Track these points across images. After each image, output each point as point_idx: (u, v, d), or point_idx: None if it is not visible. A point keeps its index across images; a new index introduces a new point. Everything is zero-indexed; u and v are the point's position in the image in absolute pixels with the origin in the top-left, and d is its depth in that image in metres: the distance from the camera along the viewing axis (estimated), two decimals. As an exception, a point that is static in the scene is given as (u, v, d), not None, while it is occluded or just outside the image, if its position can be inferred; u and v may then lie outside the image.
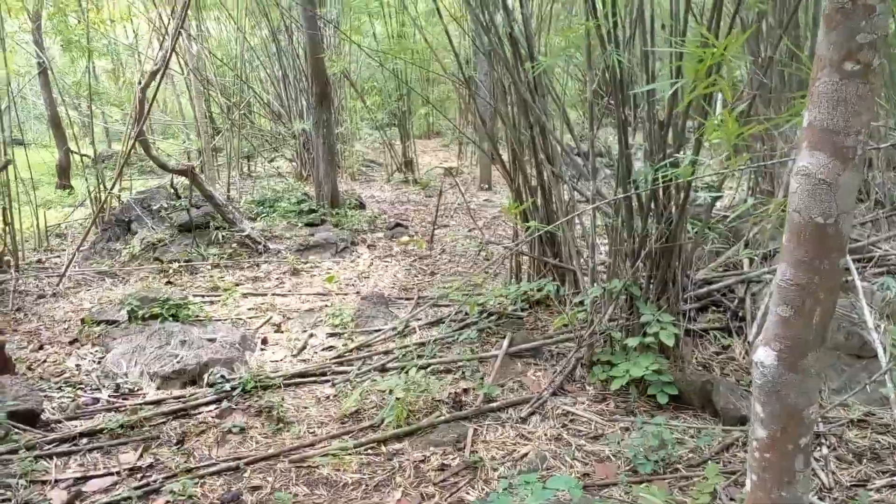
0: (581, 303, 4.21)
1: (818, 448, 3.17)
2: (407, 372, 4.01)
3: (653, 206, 3.82)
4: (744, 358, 4.07)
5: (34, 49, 10.05)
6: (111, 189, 7.16)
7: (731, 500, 2.81)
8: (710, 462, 3.04)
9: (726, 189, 7.76)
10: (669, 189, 3.78)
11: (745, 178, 6.59)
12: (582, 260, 5.01)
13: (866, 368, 3.52)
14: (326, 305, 5.82)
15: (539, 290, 5.05)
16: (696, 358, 4.12)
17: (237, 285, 6.48)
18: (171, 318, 5.11)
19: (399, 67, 11.35)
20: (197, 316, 5.39)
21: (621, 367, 3.74)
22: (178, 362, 4.31)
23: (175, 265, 6.97)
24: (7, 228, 6.74)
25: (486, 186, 11.54)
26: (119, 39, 16.95)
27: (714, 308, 4.58)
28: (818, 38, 1.37)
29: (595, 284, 4.06)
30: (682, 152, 3.86)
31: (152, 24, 11.77)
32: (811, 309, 1.49)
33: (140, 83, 7.18)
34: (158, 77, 7.24)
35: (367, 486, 3.15)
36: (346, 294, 6.18)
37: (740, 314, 4.36)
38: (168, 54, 6.85)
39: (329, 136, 8.99)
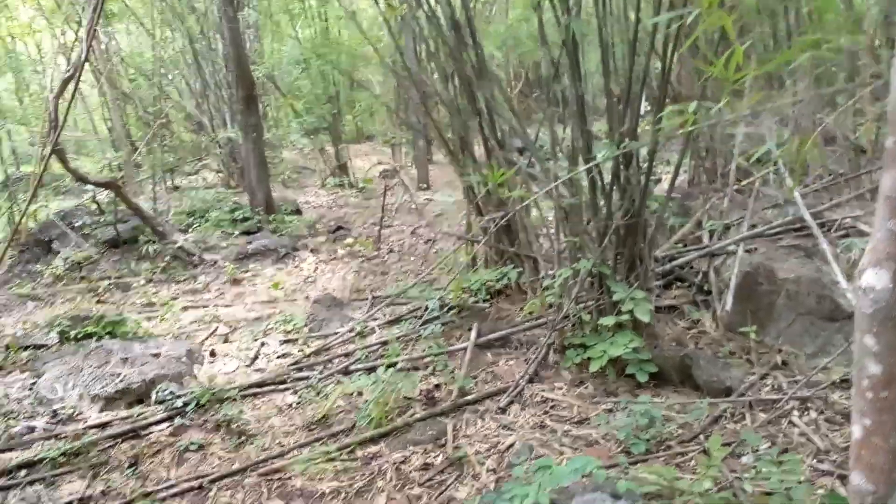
0: (547, 287, 4.08)
1: (806, 413, 3.13)
2: (374, 371, 3.79)
3: (616, 183, 3.72)
4: (715, 330, 4.03)
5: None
6: (28, 203, 6.62)
7: (732, 471, 2.72)
8: (711, 434, 2.94)
9: (664, 173, 7.86)
10: (631, 165, 3.70)
11: (686, 159, 6.64)
12: (540, 245, 4.91)
13: (841, 330, 3.51)
14: (275, 312, 5.52)
15: (499, 280, 4.92)
16: (667, 334, 4.05)
17: (174, 299, 6.09)
18: (107, 336, 4.72)
19: (327, 70, 11.05)
20: (135, 333, 5.00)
21: (598, 348, 3.62)
22: (120, 381, 3.95)
23: (105, 283, 6.51)
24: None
25: (425, 186, 11.38)
26: (21, 56, 16.02)
27: (678, 284, 4.54)
28: None
29: (561, 266, 3.94)
30: (639, 127, 3.80)
31: (57, 38, 11.12)
32: (930, 216, 1.33)
33: (52, 92, 6.69)
34: (72, 84, 6.76)
35: (346, 493, 2.91)
36: (294, 300, 5.89)
37: (705, 287, 4.33)
38: (83, 58, 6.38)
39: (259, 140, 8.64)
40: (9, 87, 17.44)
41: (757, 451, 2.85)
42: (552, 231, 4.45)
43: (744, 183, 5.65)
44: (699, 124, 1.98)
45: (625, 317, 3.55)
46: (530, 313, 4.60)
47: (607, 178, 3.74)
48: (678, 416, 3.25)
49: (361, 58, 10.66)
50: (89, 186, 9.37)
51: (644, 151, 3.66)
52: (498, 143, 4.80)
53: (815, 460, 2.77)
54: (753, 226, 4.45)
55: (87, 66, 10.94)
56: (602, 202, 3.84)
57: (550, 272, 4.59)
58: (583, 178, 3.87)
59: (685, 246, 4.74)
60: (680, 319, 4.23)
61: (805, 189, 5.00)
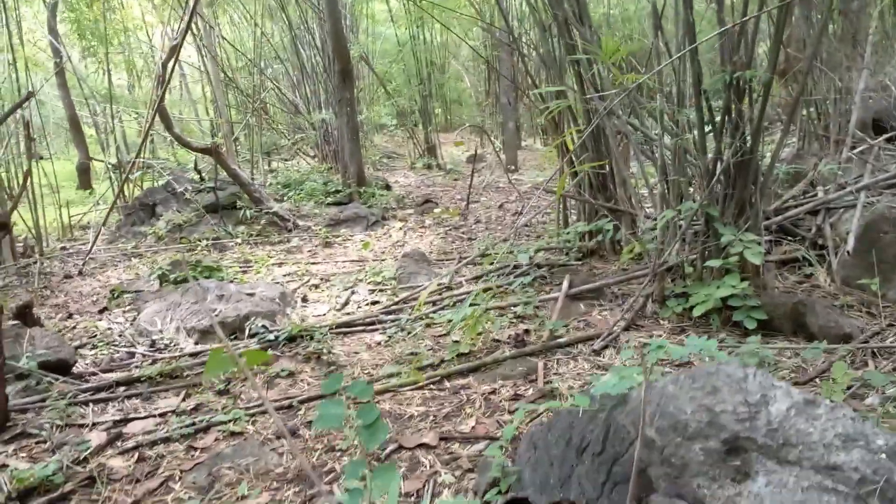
0: (651, 229, 3.89)
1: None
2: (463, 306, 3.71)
3: (727, 119, 3.50)
4: (830, 284, 3.73)
5: (50, 40, 9.87)
6: (134, 160, 6.94)
7: (856, 411, 2.47)
8: (827, 378, 2.69)
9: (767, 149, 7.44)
10: (744, 99, 3.47)
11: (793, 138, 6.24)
12: (640, 201, 4.71)
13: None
14: (364, 269, 5.53)
15: (593, 237, 4.75)
16: (777, 287, 3.78)
17: (269, 257, 6.22)
18: (204, 279, 4.84)
19: (419, 48, 11.09)
20: (231, 280, 5.11)
21: (702, 293, 3.41)
22: (216, 316, 4.03)
23: (203, 243, 6.72)
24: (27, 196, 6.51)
25: (513, 168, 11.25)
26: (134, 48, 16.90)
27: (788, 240, 4.25)
28: None
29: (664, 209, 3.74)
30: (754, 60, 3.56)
31: (166, 32, 11.63)
32: None
33: (161, 57, 6.99)
34: (177, 52, 7.04)
35: (435, 417, 2.84)
36: (383, 260, 5.89)
37: (819, 242, 4.02)
38: (186, 26, 6.63)
39: (353, 114, 8.74)
40: (121, 81, 18.51)
41: (884, 392, 2.59)
42: (654, 182, 4.25)
43: (860, 149, 5.25)
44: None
45: (733, 259, 3.33)
46: (624, 270, 4.42)
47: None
48: (791, 360, 3.01)
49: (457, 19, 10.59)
50: (191, 164, 9.75)
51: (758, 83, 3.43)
52: (596, 91, 4.63)
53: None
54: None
55: (193, 32, 11.40)
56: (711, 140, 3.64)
57: (651, 221, 4.40)
58: (690, 116, 3.68)
59: (795, 199, 4.43)
60: (791, 274, 3.95)
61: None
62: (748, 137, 3.47)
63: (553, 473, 1.73)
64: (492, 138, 11.79)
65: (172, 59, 6.91)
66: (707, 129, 3.60)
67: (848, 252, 3.54)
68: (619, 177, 4.66)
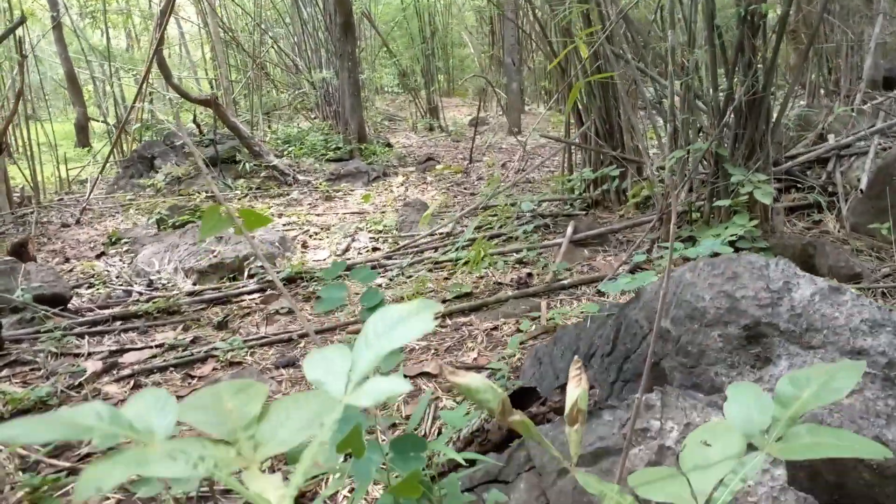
0: (660, 169, 3.82)
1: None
2: (463, 249, 3.66)
3: (740, 55, 3.40)
4: (839, 231, 3.66)
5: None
6: (130, 110, 6.82)
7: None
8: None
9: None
10: (758, 34, 3.37)
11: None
12: (647, 149, 4.62)
13: None
14: (365, 220, 5.46)
15: (597, 186, 4.67)
16: (786, 232, 3.71)
17: (269, 209, 6.14)
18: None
19: (422, 6, 10.89)
20: (230, 227, 5.04)
21: (710, 234, 3.34)
22: (214, 257, 3.97)
23: (202, 195, 6.64)
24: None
25: (517, 131, 11.12)
26: (132, 5, 16.63)
27: (797, 188, 4.17)
28: None
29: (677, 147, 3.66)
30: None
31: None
32: None
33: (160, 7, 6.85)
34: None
35: (436, 350, 2.80)
36: (383, 212, 5.81)
37: (829, 189, 3.95)
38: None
39: (354, 70, 8.59)
40: (120, 43, 18.27)
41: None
42: (663, 138, 4.16)
43: (874, 102, 5.16)
44: None
45: (742, 198, 3.26)
46: (629, 218, 4.35)
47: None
48: (800, 299, 2.95)
49: None
50: (190, 124, 9.63)
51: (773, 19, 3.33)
52: (607, 38, 4.51)
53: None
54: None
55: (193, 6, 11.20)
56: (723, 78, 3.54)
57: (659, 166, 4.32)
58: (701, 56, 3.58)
59: (806, 147, 4.35)
60: (799, 221, 3.88)
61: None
62: (760, 76, 3.38)
63: (558, 385, 1.68)
64: (496, 90, 11.62)
65: (169, 6, 6.77)
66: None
67: (861, 191, 3.47)
68: (626, 124, 4.56)
